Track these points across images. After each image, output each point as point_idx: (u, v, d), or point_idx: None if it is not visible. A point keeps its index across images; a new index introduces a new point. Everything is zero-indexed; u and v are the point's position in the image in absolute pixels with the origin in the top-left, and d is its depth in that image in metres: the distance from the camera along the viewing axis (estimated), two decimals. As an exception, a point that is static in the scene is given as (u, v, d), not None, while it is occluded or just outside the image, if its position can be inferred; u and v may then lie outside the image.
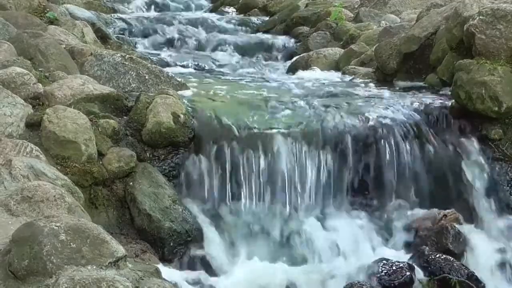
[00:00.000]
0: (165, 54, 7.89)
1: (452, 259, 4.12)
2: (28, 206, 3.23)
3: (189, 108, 4.67)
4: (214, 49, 8.34)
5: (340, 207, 4.55)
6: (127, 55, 5.50)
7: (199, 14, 10.28)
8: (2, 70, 4.45)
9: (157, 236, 4.06)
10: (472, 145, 4.74)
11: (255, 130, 4.56)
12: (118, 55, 5.44)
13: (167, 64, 7.28)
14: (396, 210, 4.57)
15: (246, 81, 6.11)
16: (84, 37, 6.59)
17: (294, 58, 7.57)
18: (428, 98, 5.15)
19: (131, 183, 4.20)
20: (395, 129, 4.71)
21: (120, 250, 2.89)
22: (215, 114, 4.66)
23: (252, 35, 9.07)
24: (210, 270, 4.06)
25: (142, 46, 8.21)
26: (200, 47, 8.44)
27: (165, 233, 4.05)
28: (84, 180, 4.07)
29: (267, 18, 9.90)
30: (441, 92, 5.33)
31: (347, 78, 6.22)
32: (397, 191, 4.62)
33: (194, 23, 9.25)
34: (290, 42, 8.59)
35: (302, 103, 5.02)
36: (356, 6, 9.28)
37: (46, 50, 5.13)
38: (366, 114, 4.81)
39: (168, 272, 3.65)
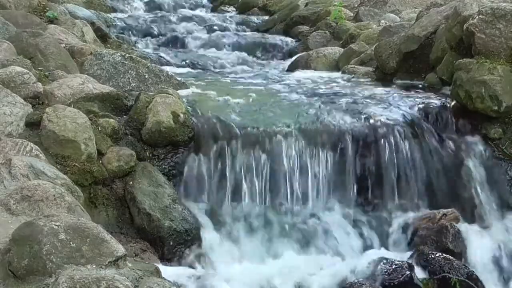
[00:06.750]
0: (165, 53, 7.88)
1: (452, 258, 4.12)
2: (27, 205, 3.23)
3: (189, 107, 4.67)
4: (214, 48, 8.34)
5: (340, 206, 4.54)
6: (127, 54, 5.51)
7: (199, 14, 10.28)
8: (2, 69, 4.45)
9: (156, 235, 4.05)
10: (472, 144, 4.74)
11: (255, 129, 4.57)
12: (118, 54, 5.45)
13: (167, 63, 7.28)
14: (396, 209, 4.57)
15: (246, 81, 6.11)
16: (84, 36, 6.59)
17: (294, 57, 7.57)
18: (428, 98, 5.16)
19: (130, 182, 4.20)
20: (395, 128, 4.71)
21: (120, 249, 2.89)
22: (215, 113, 4.67)
23: (252, 34, 9.07)
24: (209, 269, 4.06)
25: (142, 45, 8.21)
26: (200, 46, 8.44)
27: (164, 232, 4.05)
28: (84, 179, 4.08)
29: (266, 18, 9.91)
30: (441, 91, 5.33)
31: (347, 77, 6.22)
32: (397, 190, 4.61)
33: (194, 22, 9.26)
34: (290, 41, 8.59)
35: (302, 102, 5.02)
36: (356, 5, 9.28)
37: (46, 49, 5.13)
38: (366, 113, 4.81)
39: (168, 271, 3.65)
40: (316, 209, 4.50)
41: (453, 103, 4.95)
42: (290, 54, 8.15)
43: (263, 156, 4.47)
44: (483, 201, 4.61)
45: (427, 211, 4.53)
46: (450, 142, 4.75)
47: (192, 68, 7.39)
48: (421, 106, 4.96)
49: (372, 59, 6.39)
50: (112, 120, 4.41)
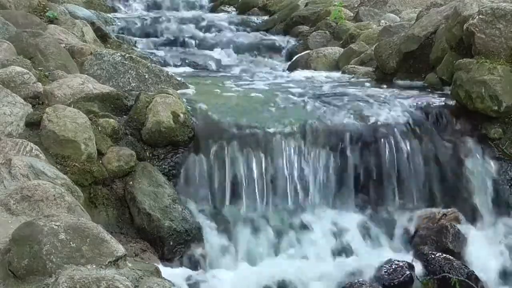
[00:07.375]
0: (165, 53, 7.88)
1: (452, 258, 4.13)
2: (27, 205, 3.23)
3: (189, 107, 4.67)
4: (214, 48, 8.33)
5: (340, 207, 4.55)
6: (127, 54, 5.50)
7: (199, 13, 10.27)
8: (2, 69, 4.45)
9: (156, 235, 4.06)
10: (472, 144, 4.74)
11: (255, 130, 4.56)
12: (118, 54, 5.44)
13: (167, 63, 7.28)
14: (396, 209, 4.57)
15: (246, 81, 6.11)
16: (84, 36, 6.59)
17: (294, 57, 7.57)
18: (428, 98, 5.15)
19: (130, 182, 4.20)
20: (395, 128, 4.71)
21: (120, 249, 2.89)
22: (215, 114, 4.66)
23: (252, 34, 9.06)
24: (209, 269, 4.06)
25: (142, 45, 8.20)
26: (200, 46, 8.44)
27: (164, 232, 4.05)
28: (84, 179, 4.08)
29: (266, 18, 9.90)
30: (441, 92, 5.33)
31: (347, 77, 6.22)
32: (397, 190, 4.61)
33: (194, 22, 9.25)
34: (290, 41, 8.59)
35: (302, 102, 5.02)
36: (356, 5, 9.28)
37: (46, 49, 5.13)
38: (366, 114, 4.81)
39: (168, 271, 3.65)
40: (316, 209, 4.50)
41: (453, 103, 4.95)
42: (290, 54, 8.14)
43: (263, 156, 4.47)
44: (483, 201, 4.61)
45: (427, 211, 4.53)
46: (450, 142, 4.75)
47: (192, 68, 7.39)
48: (421, 106, 4.96)
49: (372, 59, 6.39)
50: (112, 120, 4.42)
